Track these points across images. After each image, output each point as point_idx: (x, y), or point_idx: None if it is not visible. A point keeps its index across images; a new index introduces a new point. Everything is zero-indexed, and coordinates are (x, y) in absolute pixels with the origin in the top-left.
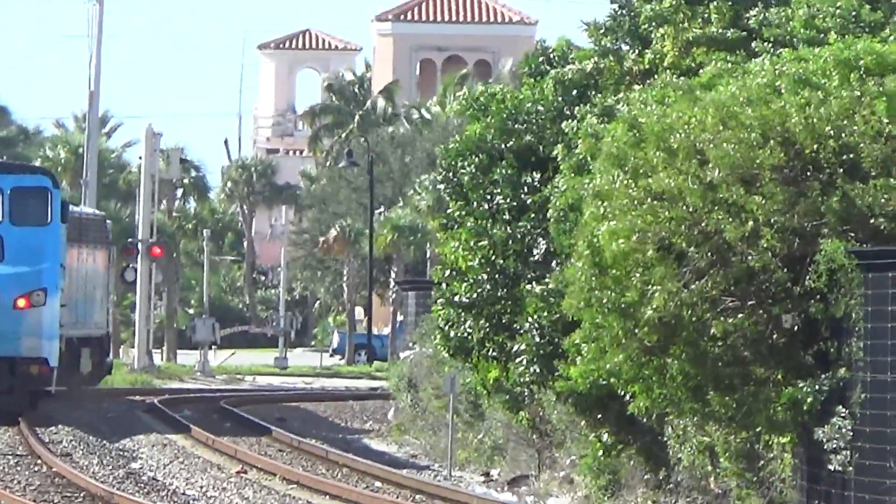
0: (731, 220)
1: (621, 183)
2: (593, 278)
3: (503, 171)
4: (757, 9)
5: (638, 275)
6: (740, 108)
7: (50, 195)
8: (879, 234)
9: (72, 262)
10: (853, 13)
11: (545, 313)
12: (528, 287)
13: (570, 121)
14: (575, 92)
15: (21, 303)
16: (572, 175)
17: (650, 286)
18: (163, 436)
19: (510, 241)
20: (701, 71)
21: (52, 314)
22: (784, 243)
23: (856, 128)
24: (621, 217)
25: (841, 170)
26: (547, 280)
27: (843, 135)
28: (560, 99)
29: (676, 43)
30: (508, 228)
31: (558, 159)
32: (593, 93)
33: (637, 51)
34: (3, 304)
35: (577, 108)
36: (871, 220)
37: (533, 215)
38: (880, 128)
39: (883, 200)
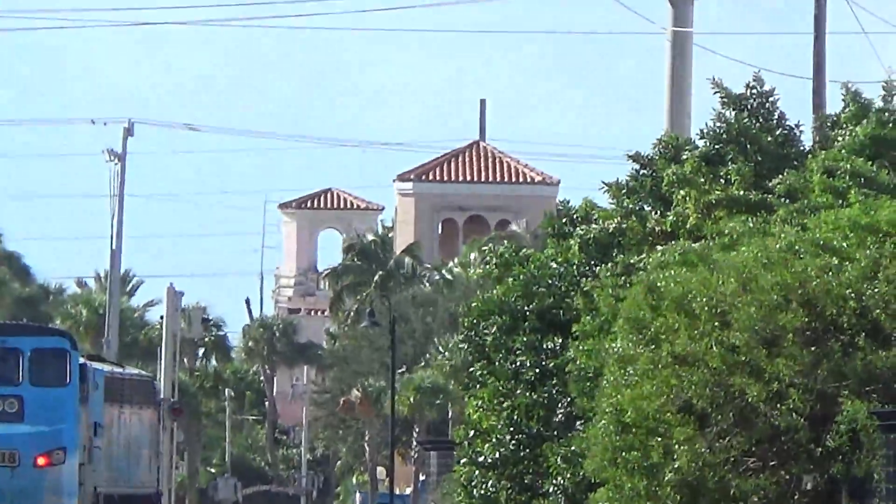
0: (753, 381)
1: (642, 347)
2: (617, 438)
3: (525, 334)
4: (780, 177)
5: (660, 437)
6: (760, 271)
7: (69, 356)
8: None
9: (111, 420)
10: (873, 174)
11: (568, 475)
12: (552, 448)
13: (589, 279)
14: (597, 251)
15: (41, 461)
16: (594, 336)
17: (674, 446)
18: None
19: (533, 405)
20: (722, 232)
21: (71, 472)
22: (806, 404)
23: (877, 289)
24: (644, 382)
25: (863, 333)
26: (569, 441)
27: (864, 297)
28: (583, 259)
29: (698, 205)
30: (532, 393)
31: (578, 311)
32: (616, 252)
33: (659, 212)
34: (25, 464)
35: (598, 267)
36: (895, 383)
37: (555, 380)
38: None
39: None
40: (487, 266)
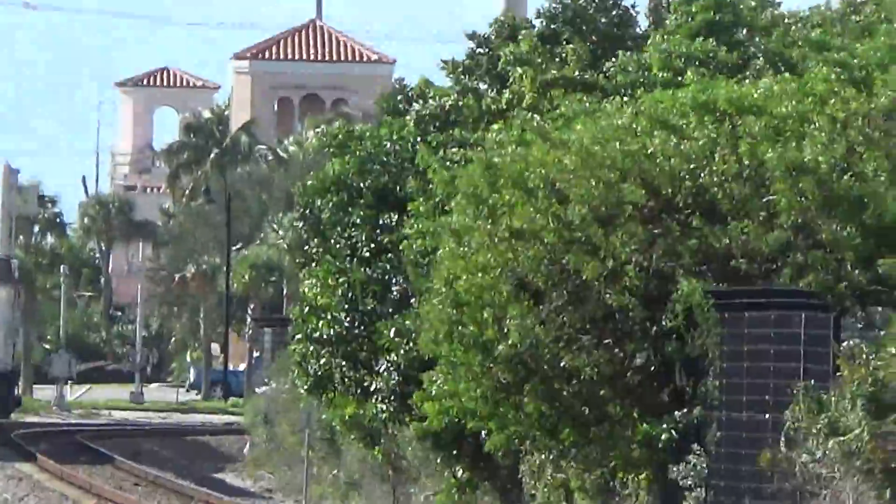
0: (589, 259)
1: (479, 221)
2: (452, 312)
3: (361, 211)
4: (616, 57)
5: (493, 311)
6: (598, 147)
7: None
8: (736, 275)
9: None
10: (710, 55)
11: (402, 351)
12: (386, 325)
13: (424, 154)
14: (434, 129)
15: None
16: (428, 216)
17: (507, 322)
18: (17, 468)
19: (369, 281)
20: (558, 111)
21: None
22: (642, 283)
23: (714, 168)
24: (478, 253)
25: (699, 212)
26: (403, 318)
27: (702, 176)
28: (419, 135)
29: (534, 84)
30: (367, 269)
31: (412, 193)
32: (451, 129)
33: (496, 90)
34: None
35: (434, 135)
36: (729, 263)
37: (391, 256)
38: (740, 168)
39: (742, 241)
40: (324, 140)
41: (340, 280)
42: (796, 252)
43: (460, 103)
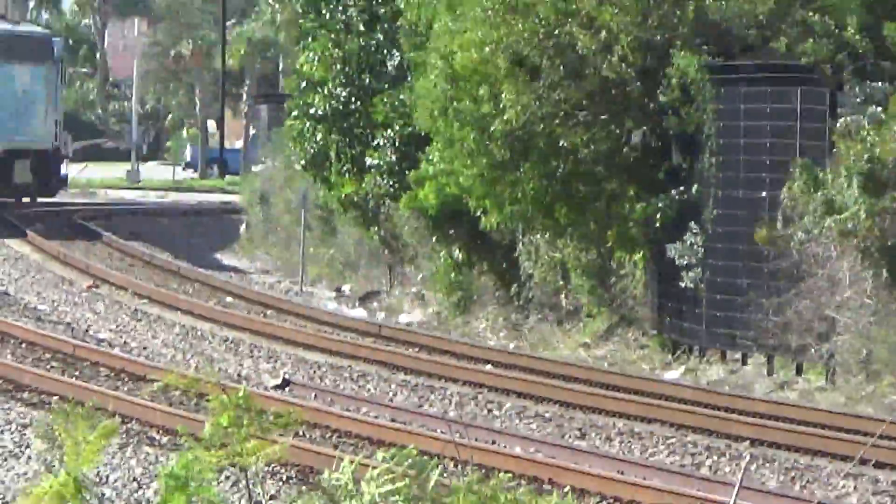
0: (584, 31)
1: None
2: (448, 88)
3: None
4: None
5: (489, 87)
6: None
7: None
8: (733, 49)
9: None
10: None
11: (397, 126)
12: (381, 100)
13: None
14: None
15: None
16: None
17: (503, 98)
18: (14, 249)
19: (363, 54)
20: None
21: None
22: (637, 55)
23: None
24: (474, 28)
25: None
26: (400, 92)
27: None
28: None
29: None
30: (362, 41)
31: None
32: None
33: None
34: None
35: None
36: (726, 36)
37: (386, 26)
38: None
39: (735, 10)
40: None
41: (336, 54)
42: (795, 16)
43: None
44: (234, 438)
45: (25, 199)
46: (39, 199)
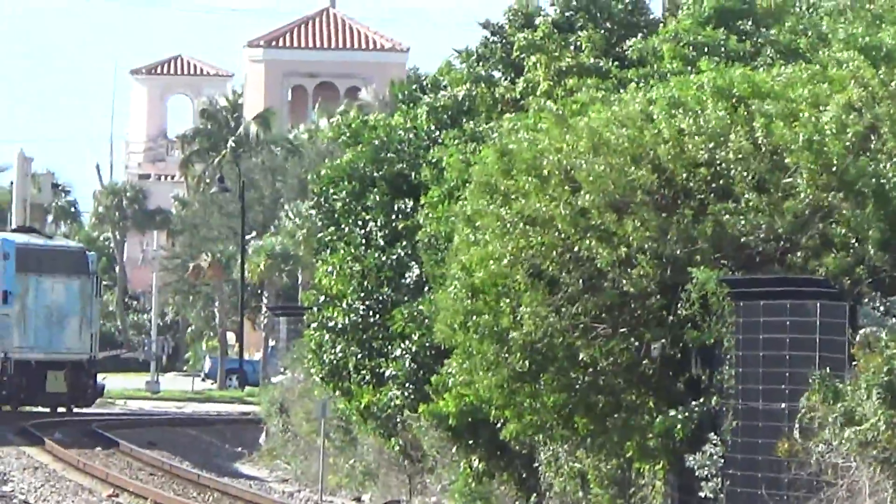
0: (603, 245)
1: (493, 207)
2: (467, 302)
3: (376, 197)
4: (632, 40)
5: (508, 300)
6: (613, 133)
7: None
8: (752, 263)
9: (25, 289)
10: (721, 43)
11: (416, 338)
12: (400, 311)
13: (438, 146)
14: (447, 119)
15: None
16: (442, 203)
17: (522, 311)
18: (34, 459)
19: (383, 268)
20: (573, 99)
21: None
22: (657, 270)
23: (731, 145)
24: (492, 241)
25: (713, 195)
26: (418, 303)
27: (717, 158)
28: (433, 127)
29: (549, 71)
30: (382, 255)
31: (426, 181)
32: (465, 119)
33: (509, 78)
34: None
35: (444, 132)
36: (745, 250)
37: (405, 242)
38: (757, 143)
39: (754, 223)
40: (338, 129)
41: (355, 268)
42: (813, 230)
43: (473, 93)
44: None
45: (61, 409)
46: (75, 410)
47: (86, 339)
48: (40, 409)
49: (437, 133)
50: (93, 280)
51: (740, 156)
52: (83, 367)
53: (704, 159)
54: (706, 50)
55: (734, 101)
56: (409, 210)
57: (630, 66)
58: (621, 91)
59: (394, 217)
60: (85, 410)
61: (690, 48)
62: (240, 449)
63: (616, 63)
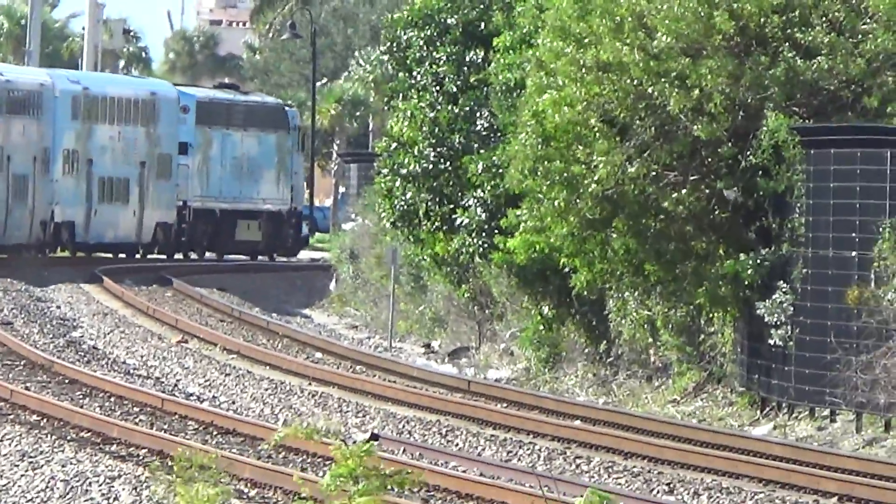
0: (676, 90)
1: (566, 53)
2: (539, 148)
3: (448, 47)
4: None
5: (580, 147)
6: None
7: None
8: (824, 110)
9: (206, 141)
10: None
11: (489, 186)
12: (472, 159)
13: None
14: None
15: None
16: (515, 48)
17: (594, 158)
18: (104, 304)
19: (454, 115)
20: None
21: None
22: (729, 116)
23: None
24: (565, 87)
25: (787, 42)
26: (490, 153)
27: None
28: None
29: None
30: (453, 106)
31: (498, 27)
32: None
33: None
34: None
35: None
36: (817, 96)
37: (477, 91)
38: None
39: (828, 66)
40: None
41: (427, 115)
42: (887, 75)
43: None
44: (352, 491)
45: (262, 258)
46: (269, 258)
47: (285, 191)
48: (234, 256)
49: None
50: (293, 135)
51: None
52: (282, 218)
53: (780, 6)
54: None
55: None
56: (480, 60)
57: None
58: None
59: (465, 68)
60: (155, 256)
61: None
62: (310, 295)
63: None
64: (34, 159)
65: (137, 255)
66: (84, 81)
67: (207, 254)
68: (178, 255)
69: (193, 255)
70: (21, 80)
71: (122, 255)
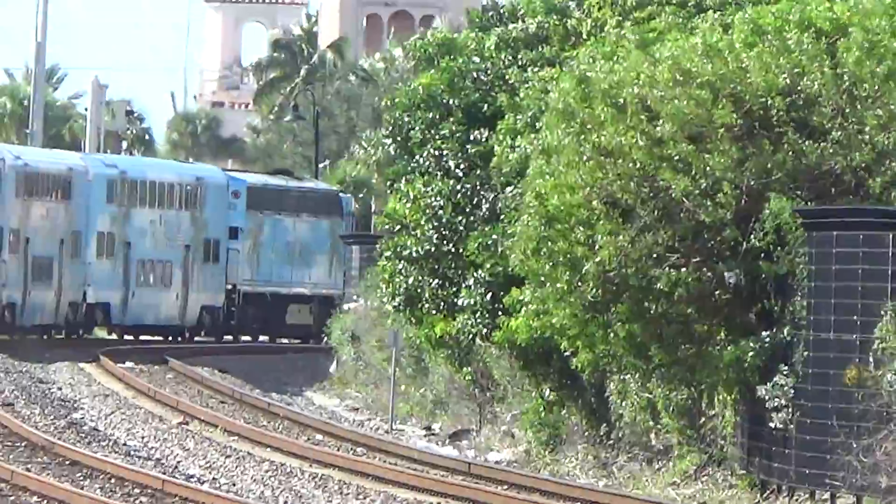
0: (680, 176)
1: (569, 138)
2: (542, 229)
3: (451, 126)
4: None
5: (583, 229)
6: (695, 63)
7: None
8: (827, 194)
9: (257, 226)
10: None
11: (489, 266)
12: (474, 238)
13: (516, 69)
14: (518, 50)
15: None
16: (520, 133)
17: (597, 239)
18: (105, 386)
19: (457, 196)
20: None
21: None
22: (733, 200)
23: (815, 75)
24: (568, 172)
25: (792, 125)
26: (492, 231)
27: (799, 87)
28: (503, 58)
29: (615, 8)
30: (456, 184)
31: (502, 108)
32: (539, 48)
33: (584, 10)
34: None
35: (520, 55)
36: (820, 181)
37: (479, 172)
38: (837, 73)
39: (831, 151)
40: (417, 47)
41: (429, 195)
42: (890, 161)
43: (545, 24)
44: None
45: (311, 342)
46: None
47: (337, 276)
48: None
49: (508, 65)
50: (346, 221)
51: (823, 83)
52: (333, 302)
53: (785, 89)
54: None
55: (814, 31)
56: (483, 140)
57: None
58: (699, 20)
59: (468, 147)
60: (156, 338)
61: None
62: (310, 377)
63: None
64: (61, 242)
65: (179, 338)
66: (121, 165)
67: (260, 336)
68: (228, 337)
69: (245, 338)
70: (44, 164)
71: (160, 337)
